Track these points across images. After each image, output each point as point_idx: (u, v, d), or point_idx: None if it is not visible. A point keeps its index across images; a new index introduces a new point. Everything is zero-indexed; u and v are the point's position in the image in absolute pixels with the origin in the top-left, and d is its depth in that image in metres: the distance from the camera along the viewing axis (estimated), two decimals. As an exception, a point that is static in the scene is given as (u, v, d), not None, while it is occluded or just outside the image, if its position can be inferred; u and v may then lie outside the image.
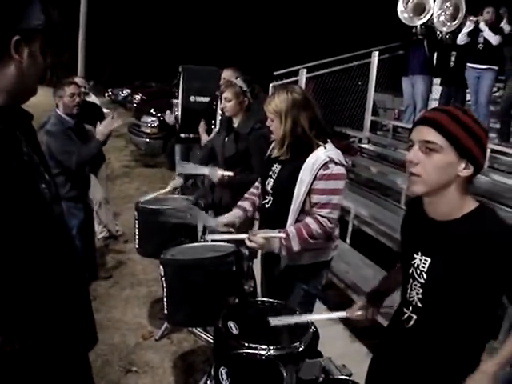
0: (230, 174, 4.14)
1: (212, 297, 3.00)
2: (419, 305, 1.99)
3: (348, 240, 6.29)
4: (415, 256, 1.99)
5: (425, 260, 1.94)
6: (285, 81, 9.40)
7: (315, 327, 2.51)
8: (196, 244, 3.45)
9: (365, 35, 11.15)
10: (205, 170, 4.28)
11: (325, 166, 2.96)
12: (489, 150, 7.56)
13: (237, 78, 4.58)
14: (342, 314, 2.46)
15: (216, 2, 27.66)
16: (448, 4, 8.65)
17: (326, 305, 4.83)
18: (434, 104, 9.60)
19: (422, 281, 1.95)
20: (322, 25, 11.88)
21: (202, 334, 4.44)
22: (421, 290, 1.96)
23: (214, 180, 4.24)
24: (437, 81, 9.49)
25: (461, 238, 1.83)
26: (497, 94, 9.51)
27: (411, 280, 2.01)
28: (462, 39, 8.34)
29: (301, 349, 2.28)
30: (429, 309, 1.95)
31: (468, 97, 8.88)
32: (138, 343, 4.50)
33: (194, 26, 29.96)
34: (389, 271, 2.56)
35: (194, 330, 4.50)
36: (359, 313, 2.39)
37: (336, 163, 2.98)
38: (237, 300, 2.97)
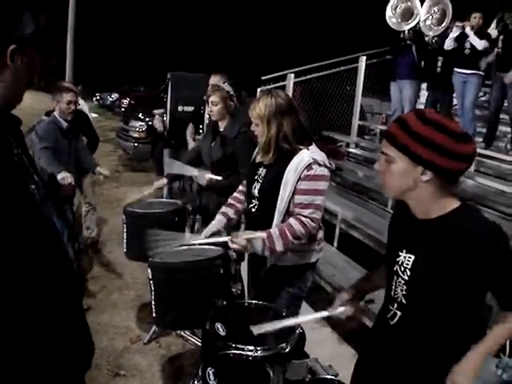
0: (219, 178, 4.16)
1: (200, 299, 3.01)
2: (403, 301, 2.02)
3: (335, 243, 6.32)
4: (400, 254, 2.03)
5: (409, 257, 1.99)
6: (272, 85, 9.41)
7: (302, 329, 2.54)
8: (184, 247, 3.47)
9: (353, 40, 11.21)
10: (194, 172, 4.30)
11: (308, 166, 3.00)
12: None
13: (224, 83, 4.60)
14: (324, 313, 2.40)
15: (204, 7, 27.69)
16: (435, 9, 8.72)
17: (314, 308, 4.86)
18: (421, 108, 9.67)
19: (406, 278, 1.99)
20: (309, 30, 11.93)
21: (190, 338, 4.45)
22: (405, 287, 2.00)
23: (201, 183, 4.26)
24: (424, 85, 9.55)
25: (442, 236, 1.88)
26: (483, 98, 9.58)
27: (395, 277, 2.04)
28: (449, 44, 8.40)
29: (287, 350, 2.31)
30: (413, 305, 1.99)
31: (455, 101, 8.94)
32: (126, 347, 4.50)
33: (183, 31, 29.97)
34: (370, 272, 2.58)
35: (182, 333, 4.51)
36: (341, 309, 2.35)
37: (320, 164, 3.02)
38: (224, 302, 2.99)
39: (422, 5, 8.79)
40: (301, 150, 3.06)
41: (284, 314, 2.65)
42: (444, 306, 1.92)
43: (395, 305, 2.07)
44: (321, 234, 3.30)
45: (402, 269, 2.01)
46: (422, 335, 1.98)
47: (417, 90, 9.25)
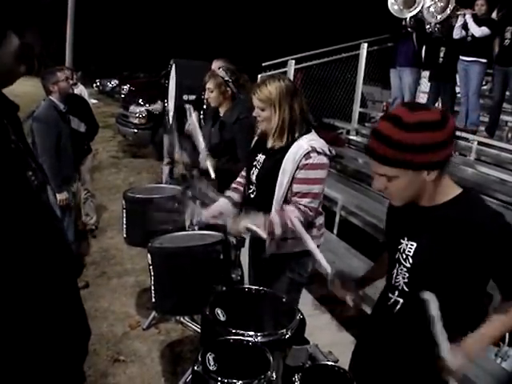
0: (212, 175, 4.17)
1: (199, 285, 3.01)
2: (405, 289, 2.02)
3: (335, 230, 6.32)
4: (401, 241, 2.02)
5: (411, 245, 1.98)
6: (273, 72, 9.39)
7: (302, 315, 2.53)
8: (184, 233, 3.46)
9: (354, 27, 11.15)
10: (201, 145, 4.31)
11: (307, 155, 2.96)
12: (476, 143, 7.64)
13: (219, 69, 4.58)
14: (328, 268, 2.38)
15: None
16: None
17: (313, 295, 4.88)
18: (422, 96, 9.66)
19: (408, 265, 1.99)
20: (311, 16, 11.85)
21: (189, 324, 4.46)
22: (407, 275, 2.00)
23: (201, 165, 4.25)
24: (425, 74, 9.51)
25: (444, 223, 1.88)
26: (485, 87, 9.54)
27: (397, 265, 2.04)
28: (457, 33, 8.36)
29: (288, 335, 2.29)
30: (415, 292, 1.97)
31: (458, 89, 8.91)
32: (126, 333, 4.51)
33: (183, 17, 29.85)
34: (375, 261, 2.57)
35: (181, 319, 4.52)
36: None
37: (318, 153, 2.98)
38: (224, 288, 2.98)
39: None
40: (300, 137, 3.03)
41: (284, 299, 2.64)
42: (446, 292, 1.90)
43: (396, 292, 2.07)
44: (321, 221, 3.28)
45: (404, 256, 2.00)
46: (425, 322, 1.97)
47: (417, 77, 9.26)
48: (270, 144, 3.16)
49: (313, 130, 3.11)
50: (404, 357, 2.02)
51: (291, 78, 9.41)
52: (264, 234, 2.88)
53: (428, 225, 1.94)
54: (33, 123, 4.98)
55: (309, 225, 3.12)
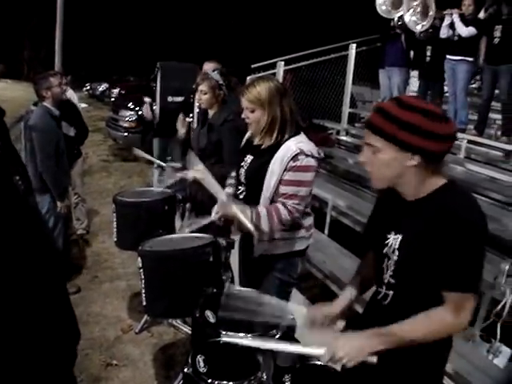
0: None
1: (190, 287, 3.02)
2: (394, 281, 2.04)
3: (326, 231, 6.32)
4: (388, 236, 2.04)
5: (397, 238, 2.00)
6: (262, 73, 9.40)
7: (292, 315, 2.53)
8: (174, 235, 3.47)
9: (343, 27, 11.18)
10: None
11: (295, 157, 2.96)
12: (465, 141, 7.67)
13: (213, 71, 4.59)
14: (320, 351, 2.04)
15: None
16: (416, 2, 8.73)
17: (305, 294, 4.88)
18: (411, 96, 9.70)
19: (395, 258, 2.00)
20: (299, 17, 11.87)
21: (181, 327, 4.47)
22: (394, 267, 2.02)
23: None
24: (415, 73, 9.57)
25: (425, 213, 1.90)
26: (474, 85, 9.58)
27: (386, 259, 2.06)
28: (443, 32, 8.42)
29: (278, 336, 2.30)
30: (403, 284, 2.01)
31: (446, 88, 8.97)
32: (118, 337, 4.50)
33: (172, 20, 29.82)
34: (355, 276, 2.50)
35: (173, 322, 4.52)
36: (320, 351, 2.05)
37: (306, 155, 2.99)
38: (215, 290, 2.98)
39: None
40: (289, 138, 3.05)
41: (273, 300, 2.65)
42: (432, 281, 1.92)
43: (386, 286, 2.08)
44: (309, 222, 3.29)
45: (391, 250, 2.02)
46: (415, 312, 1.98)
47: (406, 77, 9.33)
48: (258, 143, 3.17)
49: (301, 132, 3.12)
50: (396, 352, 2.02)
51: (280, 79, 9.42)
52: (249, 224, 2.91)
53: (411, 216, 1.96)
54: (31, 132, 4.93)
55: (296, 226, 3.14)
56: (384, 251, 2.06)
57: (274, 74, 9.41)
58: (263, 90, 3.03)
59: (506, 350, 3.98)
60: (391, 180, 1.96)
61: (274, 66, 9.68)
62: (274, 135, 3.06)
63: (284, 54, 9.92)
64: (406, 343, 1.95)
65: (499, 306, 4.07)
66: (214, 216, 3.11)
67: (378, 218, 2.23)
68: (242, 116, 3.14)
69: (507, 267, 4.34)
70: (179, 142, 6.06)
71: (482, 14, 8.63)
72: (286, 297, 3.28)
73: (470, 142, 7.86)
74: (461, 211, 1.84)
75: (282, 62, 9.65)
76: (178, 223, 4.34)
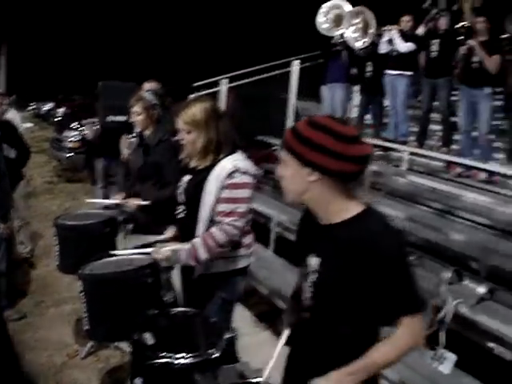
0: (145, 203, 4.17)
1: (130, 310, 3.00)
2: (312, 302, 2.07)
3: (271, 247, 6.36)
4: (309, 258, 2.07)
5: (316, 260, 2.03)
6: (205, 91, 9.44)
7: (233, 332, 2.55)
8: (114, 258, 3.44)
9: (286, 44, 11.31)
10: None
11: (231, 175, 3.00)
12: (407, 154, 7.86)
13: (147, 92, 4.62)
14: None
15: (134, 14, 27.43)
16: (357, 20, 8.97)
17: (251, 311, 4.90)
18: (354, 110, 9.89)
19: (314, 280, 2.03)
20: (243, 34, 11.96)
21: (127, 350, 4.41)
22: (313, 289, 2.05)
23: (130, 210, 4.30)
24: (357, 88, 9.75)
25: (343, 241, 1.93)
26: (416, 98, 9.83)
27: (305, 280, 2.09)
28: (383, 48, 8.67)
29: (216, 355, 2.31)
30: (320, 306, 2.04)
31: (387, 102, 9.18)
32: (65, 362, 4.44)
33: (116, 39, 29.65)
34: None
35: (119, 345, 4.47)
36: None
37: (243, 172, 3.03)
38: (156, 312, 2.98)
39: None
40: (225, 157, 3.08)
41: (213, 319, 2.67)
42: (348, 308, 1.97)
43: (305, 307, 2.11)
44: (249, 239, 3.31)
45: (311, 271, 2.05)
46: (332, 333, 2.03)
47: (348, 93, 9.54)
48: (194, 165, 3.20)
49: (238, 151, 3.16)
50: (322, 369, 2.05)
51: (224, 97, 9.49)
52: (185, 257, 2.98)
53: (329, 242, 1.99)
54: None
55: (236, 244, 3.17)
56: (304, 272, 2.10)
57: (218, 91, 9.48)
58: (198, 112, 3.06)
59: (450, 356, 4.05)
60: (298, 195, 1.99)
61: (217, 83, 9.73)
62: (211, 156, 3.10)
63: (227, 71, 9.98)
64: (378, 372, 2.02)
65: (441, 314, 4.17)
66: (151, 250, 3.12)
67: (300, 239, 2.27)
68: (178, 137, 3.17)
69: (448, 275, 4.46)
70: (122, 162, 6.03)
71: (420, 30, 8.92)
72: (228, 315, 3.30)
73: (412, 153, 8.05)
74: (380, 241, 1.87)
75: (226, 80, 9.70)
76: (120, 245, 4.31)
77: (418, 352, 4.16)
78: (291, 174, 1.95)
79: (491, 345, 4.05)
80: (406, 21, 8.69)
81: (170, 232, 3.42)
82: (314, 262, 2.04)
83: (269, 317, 4.77)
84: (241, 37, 11.55)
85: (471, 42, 7.50)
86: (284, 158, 1.96)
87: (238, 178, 3.03)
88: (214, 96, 9.64)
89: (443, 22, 8.31)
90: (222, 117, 3.14)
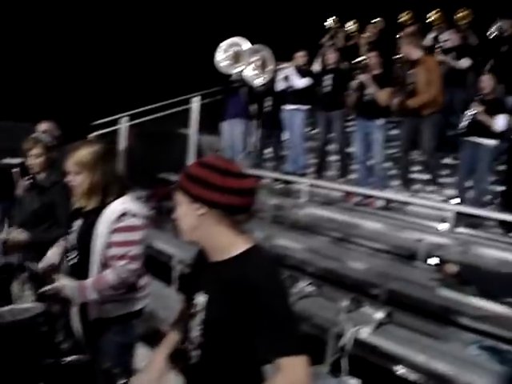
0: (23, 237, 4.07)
1: (27, 360, 2.90)
2: (201, 340, 2.10)
3: (174, 285, 6.27)
4: (197, 295, 2.12)
5: (204, 298, 2.08)
6: (105, 130, 9.34)
7: (130, 376, 2.51)
8: (7, 307, 3.32)
9: (187, 80, 11.37)
10: None
11: (121, 218, 3.01)
12: (306, 185, 8.05)
13: (44, 133, 4.55)
14: None
15: (27, 50, 26.86)
16: (256, 57, 9.20)
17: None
18: (254, 146, 10.04)
19: (202, 317, 2.08)
20: (142, 72, 11.95)
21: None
22: (202, 326, 2.08)
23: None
24: (256, 123, 9.93)
25: (228, 278, 1.99)
26: (313, 131, 10.10)
27: (194, 318, 2.12)
28: (279, 86, 8.95)
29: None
30: (209, 344, 2.08)
31: (286, 136, 9.41)
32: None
33: (6, 75, 28.90)
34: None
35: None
36: None
37: (132, 215, 3.05)
38: (53, 360, 2.89)
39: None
40: (114, 200, 3.08)
41: (108, 365, 2.62)
42: (234, 346, 2.01)
43: (195, 345, 2.14)
44: (144, 281, 3.30)
45: (199, 309, 2.09)
46: (222, 372, 2.05)
47: (247, 128, 9.67)
48: (83, 208, 3.17)
49: (128, 193, 3.16)
50: None
51: (124, 135, 9.44)
52: (75, 297, 2.96)
53: (216, 279, 2.04)
54: None
55: (130, 287, 3.14)
56: (192, 310, 2.13)
57: (118, 130, 9.40)
58: (87, 154, 3.06)
59: (354, 382, 4.15)
60: (191, 232, 2.07)
61: (117, 121, 9.64)
62: (99, 198, 3.09)
63: (127, 109, 9.91)
64: None
65: (342, 341, 4.26)
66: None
67: (191, 278, 2.33)
68: (67, 179, 3.14)
69: (347, 303, 4.58)
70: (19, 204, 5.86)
71: (315, 65, 9.28)
72: (127, 359, 3.26)
73: (311, 185, 8.24)
74: (263, 281, 1.93)
75: (126, 118, 9.64)
76: (15, 292, 4.15)
77: (322, 381, 4.25)
78: (184, 211, 2.03)
79: (394, 367, 4.16)
80: (300, 56, 8.98)
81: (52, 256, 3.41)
82: (202, 300, 2.08)
83: (174, 357, 4.71)
84: (140, 74, 11.52)
85: (362, 78, 7.84)
86: (178, 198, 2.05)
87: (128, 221, 3.03)
88: (113, 135, 9.58)
89: (332, 57, 8.70)
90: (110, 159, 3.17)
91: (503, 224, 6.57)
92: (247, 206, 2.03)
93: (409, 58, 7.71)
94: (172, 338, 2.47)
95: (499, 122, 6.92)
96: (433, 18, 10.17)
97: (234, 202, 1.98)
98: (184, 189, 2.01)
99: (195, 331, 2.12)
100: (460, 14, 9.65)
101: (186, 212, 2.03)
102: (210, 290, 2.08)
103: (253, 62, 9.28)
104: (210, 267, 2.10)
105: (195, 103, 10.18)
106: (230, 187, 1.96)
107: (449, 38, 9.24)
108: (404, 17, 10.72)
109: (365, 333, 4.32)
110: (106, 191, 3.09)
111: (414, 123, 7.60)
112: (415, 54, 7.61)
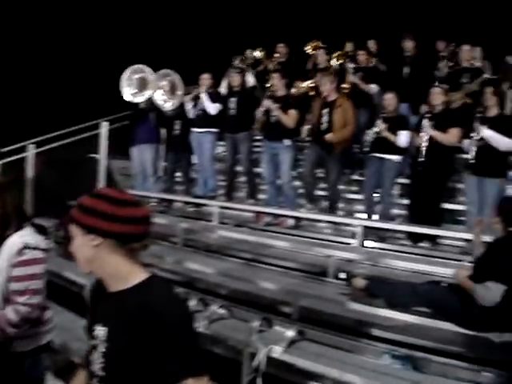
0: None
1: None
2: (102, 374, 2.07)
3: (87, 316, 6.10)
4: (96, 327, 2.10)
5: (103, 330, 2.07)
6: (11, 158, 9.10)
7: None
8: None
9: (94, 105, 11.28)
10: None
11: (21, 252, 2.95)
12: (216, 207, 8.11)
13: None
14: None
15: None
16: (164, 82, 9.26)
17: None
18: (164, 170, 10.05)
19: (103, 350, 2.05)
20: (49, 98, 11.68)
21: None
22: (102, 360, 2.06)
23: None
24: (165, 147, 9.99)
25: (126, 309, 1.99)
26: (224, 153, 10.21)
27: (94, 351, 2.10)
28: (190, 111, 9.02)
29: None
30: (111, 377, 2.05)
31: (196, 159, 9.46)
32: None
33: None
34: None
35: None
36: None
37: (33, 248, 2.99)
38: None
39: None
40: (13, 233, 3.02)
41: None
42: (137, 376, 2.00)
43: (96, 378, 2.11)
44: (48, 315, 3.26)
45: (99, 342, 2.07)
46: None
47: (157, 152, 9.68)
48: None
49: (28, 225, 3.12)
50: None
51: (31, 162, 9.23)
52: None
53: (115, 310, 2.04)
54: None
55: (35, 322, 3.09)
56: (92, 343, 2.12)
57: (24, 157, 9.21)
58: None
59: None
60: (88, 264, 2.06)
61: (23, 149, 9.42)
62: None
63: (34, 136, 9.70)
64: None
65: (255, 361, 4.32)
66: None
67: (90, 310, 2.27)
68: None
69: (258, 323, 4.64)
70: None
71: (223, 89, 9.41)
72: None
73: (222, 207, 8.33)
74: (163, 309, 1.95)
75: (33, 145, 9.44)
76: None
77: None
78: (79, 243, 2.03)
79: (309, 383, 4.21)
80: (204, 79, 9.06)
81: None
82: (101, 332, 2.07)
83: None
84: (47, 100, 11.29)
85: (266, 103, 8.02)
86: (72, 231, 2.04)
87: (29, 255, 2.97)
88: (22, 162, 9.34)
89: (236, 79, 8.87)
90: (9, 191, 3.09)
91: (411, 235, 6.88)
92: (141, 235, 2.05)
93: (326, 98, 7.92)
94: (82, 373, 2.40)
95: (402, 139, 7.29)
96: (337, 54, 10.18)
97: (128, 231, 2.01)
98: (77, 220, 2.01)
99: (96, 364, 2.08)
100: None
101: (81, 244, 2.03)
102: (110, 322, 2.06)
103: (162, 87, 9.34)
104: (109, 298, 2.09)
105: (104, 128, 10.04)
106: (121, 216, 1.99)
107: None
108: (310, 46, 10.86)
109: (277, 351, 4.36)
110: (6, 224, 3.03)
111: (322, 154, 7.83)
112: (333, 95, 7.89)
